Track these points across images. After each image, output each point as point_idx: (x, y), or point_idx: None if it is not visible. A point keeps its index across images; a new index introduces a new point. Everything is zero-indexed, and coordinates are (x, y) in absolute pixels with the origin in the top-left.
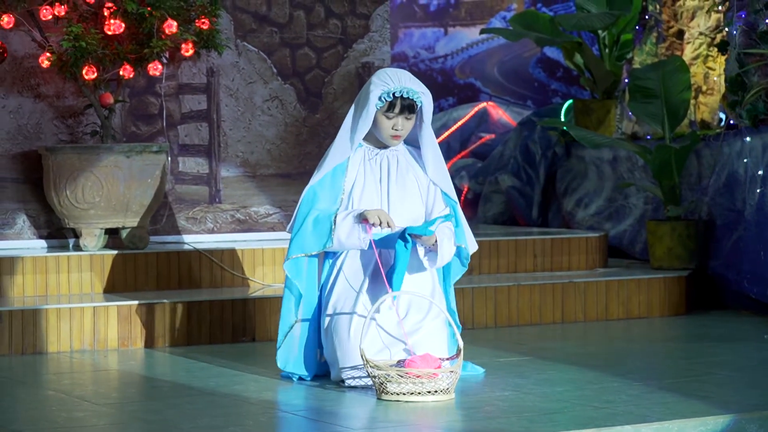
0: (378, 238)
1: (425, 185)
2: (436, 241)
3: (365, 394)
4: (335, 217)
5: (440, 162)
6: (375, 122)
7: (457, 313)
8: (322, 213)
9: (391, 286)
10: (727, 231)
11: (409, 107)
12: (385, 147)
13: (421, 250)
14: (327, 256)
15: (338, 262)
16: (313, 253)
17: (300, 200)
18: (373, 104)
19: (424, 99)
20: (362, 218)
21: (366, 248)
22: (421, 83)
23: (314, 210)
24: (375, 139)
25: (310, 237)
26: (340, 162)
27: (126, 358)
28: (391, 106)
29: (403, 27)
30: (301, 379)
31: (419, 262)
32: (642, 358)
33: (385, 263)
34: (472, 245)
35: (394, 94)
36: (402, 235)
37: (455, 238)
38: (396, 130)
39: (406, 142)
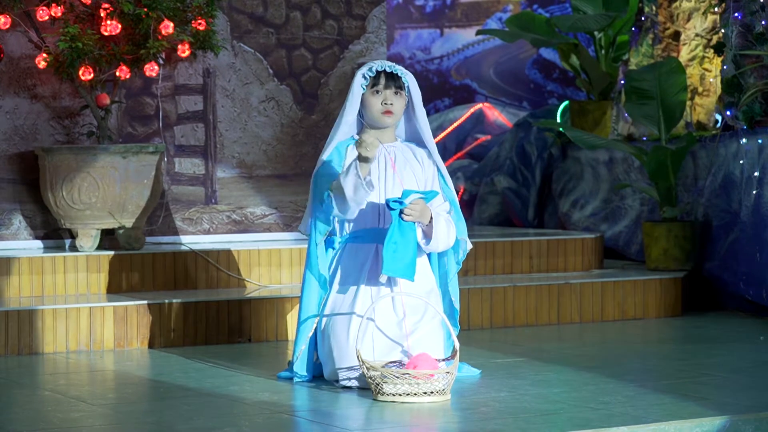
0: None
1: (423, 180)
2: (431, 221)
3: (361, 395)
4: (339, 181)
5: (436, 152)
6: (365, 105)
7: (459, 312)
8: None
9: (410, 273)
10: (723, 232)
11: (395, 82)
12: (383, 140)
13: (419, 232)
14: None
15: (335, 261)
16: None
17: (312, 187)
18: (359, 85)
19: (409, 78)
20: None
21: (372, 190)
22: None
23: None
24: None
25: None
26: (335, 146)
27: (122, 359)
28: (375, 82)
29: (399, 28)
30: (297, 380)
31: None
32: (638, 360)
33: (380, 261)
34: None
35: (376, 69)
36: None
37: (456, 231)
38: (386, 104)
39: (406, 138)
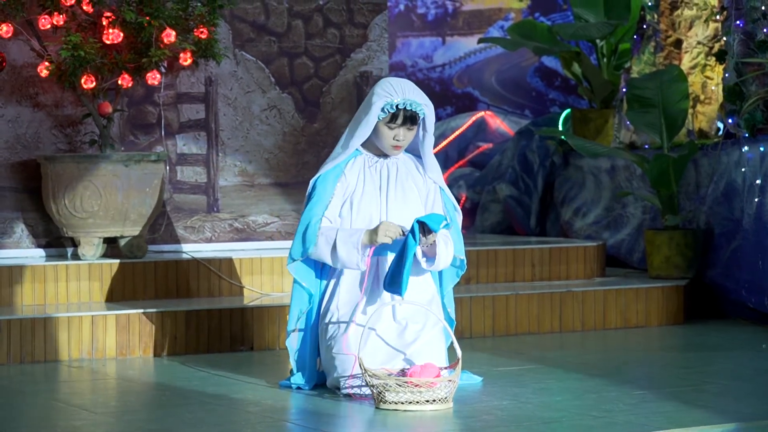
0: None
1: (425, 192)
2: (434, 242)
3: (363, 403)
4: (337, 236)
5: (440, 172)
6: (376, 131)
7: (455, 323)
8: (314, 218)
9: (399, 288)
10: (725, 240)
11: (411, 119)
12: (385, 155)
13: (418, 251)
14: (325, 263)
15: (336, 272)
16: (300, 258)
17: (308, 192)
18: (375, 115)
19: (427, 111)
20: (369, 240)
21: (363, 269)
22: (423, 94)
23: (307, 215)
24: (375, 148)
25: (299, 243)
26: (335, 164)
27: (124, 367)
28: (393, 118)
29: (401, 36)
30: (299, 388)
31: (417, 268)
32: (640, 367)
33: (381, 271)
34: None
35: (397, 106)
36: (411, 229)
37: (455, 249)
38: (397, 140)
39: (407, 149)
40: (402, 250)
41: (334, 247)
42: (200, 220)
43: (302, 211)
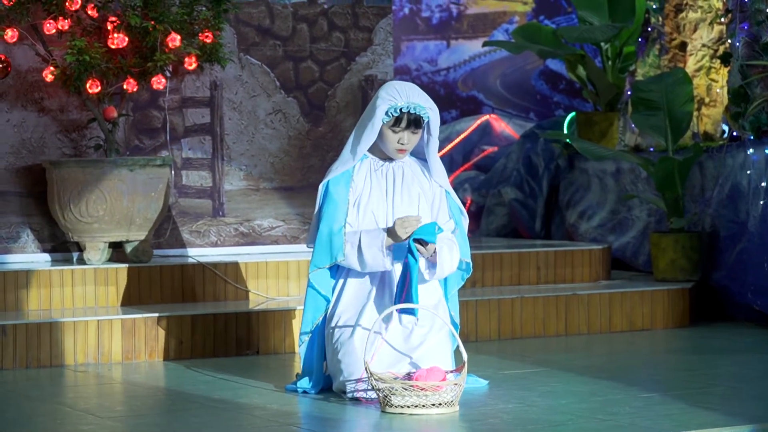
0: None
1: (431, 196)
2: (435, 251)
3: (369, 407)
4: (360, 242)
5: (445, 175)
6: (381, 135)
7: (459, 326)
8: (336, 225)
9: (411, 301)
10: (730, 242)
11: (415, 122)
12: (391, 159)
13: (422, 261)
14: (332, 266)
15: (344, 274)
16: (327, 266)
17: (318, 199)
18: (380, 118)
19: (432, 114)
20: (392, 240)
21: (390, 269)
22: (428, 98)
23: (328, 221)
24: (380, 151)
25: (325, 251)
26: (344, 170)
27: (130, 372)
28: (397, 121)
29: (405, 40)
30: (305, 392)
31: (423, 278)
32: (646, 370)
33: (386, 275)
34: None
35: (401, 109)
36: (409, 248)
37: (460, 253)
38: (402, 144)
39: (412, 153)
40: (405, 272)
41: (360, 252)
42: (206, 224)
43: (316, 216)
